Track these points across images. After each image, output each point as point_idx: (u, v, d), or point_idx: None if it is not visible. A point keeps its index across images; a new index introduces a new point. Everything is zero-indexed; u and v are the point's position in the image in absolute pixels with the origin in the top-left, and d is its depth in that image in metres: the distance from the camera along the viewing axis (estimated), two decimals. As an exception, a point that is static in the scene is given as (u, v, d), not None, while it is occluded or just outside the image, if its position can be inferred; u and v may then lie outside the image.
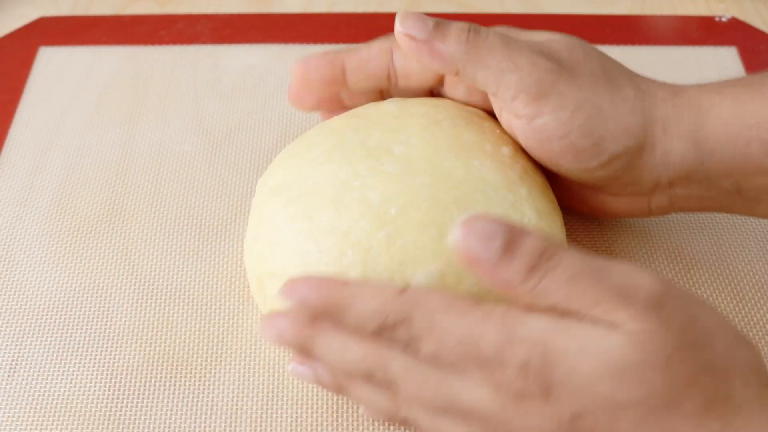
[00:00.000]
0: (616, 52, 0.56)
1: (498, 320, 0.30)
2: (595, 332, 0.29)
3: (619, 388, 0.28)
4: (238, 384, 0.40)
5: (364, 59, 0.41)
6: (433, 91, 0.43)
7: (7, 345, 0.42)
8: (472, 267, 0.30)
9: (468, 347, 0.30)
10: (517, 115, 0.38)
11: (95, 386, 0.40)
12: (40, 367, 0.41)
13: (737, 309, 0.43)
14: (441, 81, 0.42)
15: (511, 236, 0.30)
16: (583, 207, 0.44)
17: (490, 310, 0.31)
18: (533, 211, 0.38)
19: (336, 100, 0.44)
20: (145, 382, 0.40)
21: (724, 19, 0.60)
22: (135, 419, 0.39)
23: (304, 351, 0.35)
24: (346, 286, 0.34)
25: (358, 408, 0.39)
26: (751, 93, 0.37)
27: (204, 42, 0.58)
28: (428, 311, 0.31)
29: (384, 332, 0.33)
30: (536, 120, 0.37)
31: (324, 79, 0.41)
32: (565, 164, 0.38)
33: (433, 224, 0.36)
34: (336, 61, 0.41)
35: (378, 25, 0.58)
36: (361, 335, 0.33)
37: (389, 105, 0.41)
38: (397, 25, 0.38)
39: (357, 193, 0.37)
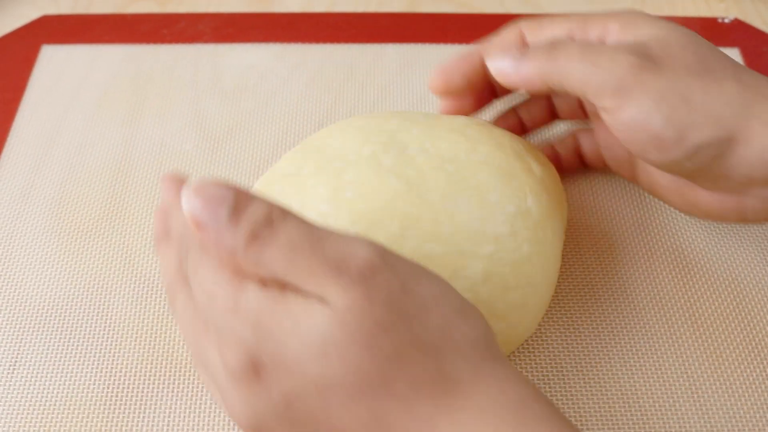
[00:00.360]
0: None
1: (235, 284, 0.29)
2: (305, 308, 0.28)
3: (324, 366, 0.28)
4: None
5: (499, 45, 0.42)
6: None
7: (7, 343, 0.42)
8: (200, 232, 0.29)
9: (207, 302, 0.30)
10: (604, 111, 0.38)
11: (95, 385, 0.40)
12: (40, 366, 0.41)
13: (738, 309, 0.43)
14: None
15: (237, 202, 0.29)
16: (679, 201, 0.43)
17: (237, 274, 0.30)
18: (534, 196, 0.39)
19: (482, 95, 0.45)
20: (145, 380, 0.40)
21: (727, 21, 0.59)
22: (135, 418, 0.39)
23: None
24: (178, 195, 0.32)
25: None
26: None
27: (206, 41, 0.58)
28: (202, 254, 0.31)
29: (182, 260, 0.33)
30: (620, 113, 0.37)
31: (468, 76, 0.43)
32: (652, 156, 0.38)
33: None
34: (473, 57, 0.42)
35: (379, 25, 0.58)
36: (181, 253, 0.33)
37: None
38: (490, 69, 0.41)
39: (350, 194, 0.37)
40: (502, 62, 0.40)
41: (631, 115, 0.37)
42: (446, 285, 0.30)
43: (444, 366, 0.28)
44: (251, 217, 0.29)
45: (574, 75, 0.38)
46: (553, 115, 0.48)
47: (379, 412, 0.28)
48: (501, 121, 0.47)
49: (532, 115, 0.47)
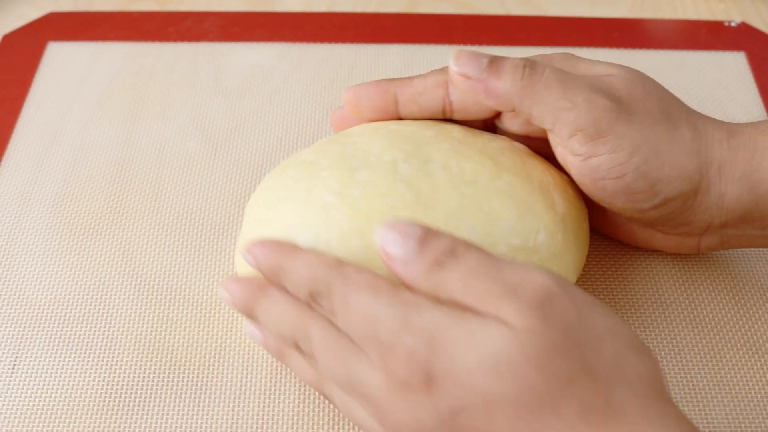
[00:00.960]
0: (623, 56, 0.57)
1: (400, 305, 0.31)
2: (481, 326, 0.29)
3: (495, 382, 0.28)
4: (238, 384, 0.40)
5: (417, 91, 0.40)
6: (488, 123, 0.42)
7: (8, 342, 0.42)
8: (388, 263, 0.32)
9: (368, 327, 0.31)
10: (573, 153, 0.37)
11: (95, 384, 0.40)
12: (40, 365, 0.41)
13: (738, 309, 0.43)
14: (498, 114, 0.41)
15: (424, 236, 0.32)
16: (630, 240, 0.44)
17: (399, 295, 0.31)
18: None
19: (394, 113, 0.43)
20: (145, 381, 0.40)
21: (733, 24, 0.59)
22: (135, 418, 0.39)
23: (251, 315, 0.37)
24: (293, 251, 0.35)
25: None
26: None
27: (211, 39, 0.58)
28: (348, 286, 0.32)
29: (312, 301, 0.34)
30: (592, 159, 0.37)
31: (376, 109, 0.41)
32: (617, 203, 0.38)
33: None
34: (389, 92, 0.40)
35: (379, 25, 0.58)
36: (297, 303, 0.35)
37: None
38: (451, 65, 0.38)
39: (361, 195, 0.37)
40: (470, 68, 0.38)
41: (602, 163, 0.37)
42: (620, 320, 0.31)
43: (613, 397, 0.28)
44: (436, 248, 0.31)
45: (547, 108, 0.37)
46: (485, 124, 0.44)
47: (542, 430, 0.28)
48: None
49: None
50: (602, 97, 0.37)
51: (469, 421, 0.29)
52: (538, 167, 0.40)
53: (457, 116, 0.41)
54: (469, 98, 0.39)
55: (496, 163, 0.38)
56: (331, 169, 0.38)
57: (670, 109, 0.38)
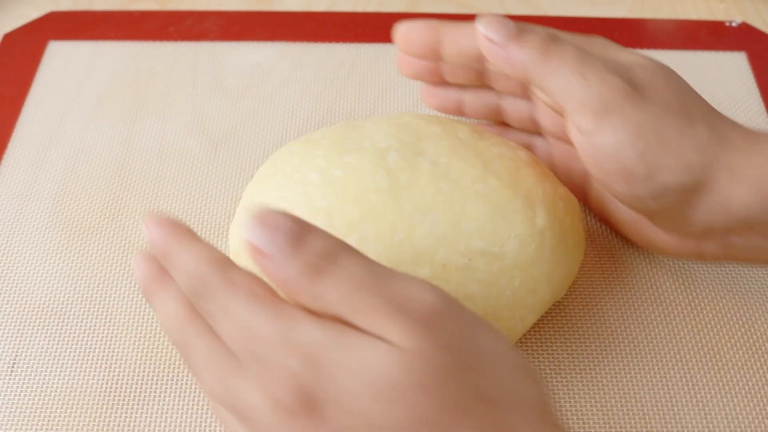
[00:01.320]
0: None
1: (282, 319, 0.28)
2: (365, 345, 0.27)
3: (382, 409, 0.26)
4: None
5: (460, 34, 0.41)
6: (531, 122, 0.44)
7: (7, 341, 0.42)
8: (257, 260, 0.29)
9: (246, 340, 0.29)
10: (578, 129, 0.37)
11: (95, 384, 0.40)
12: (40, 364, 0.41)
13: (738, 309, 0.43)
14: (525, 91, 0.42)
15: (298, 232, 0.29)
16: (636, 237, 0.43)
17: (281, 307, 0.29)
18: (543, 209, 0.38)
19: (436, 73, 0.44)
20: (145, 380, 0.40)
21: (734, 24, 0.59)
22: (134, 417, 0.39)
23: (149, 302, 0.34)
24: (184, 238, 0.32)
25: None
26: None
27: (212, 39, 0.58)
28: (230, 291, 0.30)
29: (195, 301, 0.31)
30: (594, 137, 0.36)
31: (421, 46, 0.42)
32: (617, 187, 0.38)
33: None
34: (434, 30, 0.41)
35: (379, 25, 0.58)
36: (184, 305, 0.32)
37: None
38: (479, 26, 0.38)
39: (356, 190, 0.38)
40: (495, 32, 0.38)
41: (605, 141, 0.36)
42: (508, 343, 0.29)
43: (503, 423, 0.27)
44: (313, 249, 0.29)
45: (560, 82, 0.37)
46: (495, 114, 0.46)
47: None
48: (436, 93, 0.46)
49: (475, 105, 0.45)
50: (616, 77, 0.36)
51: None
52: (530, 179, 0.39)
53: (491, 67, 0.42)
54: (492, 62, 0.39)
55: (485, 167, 0.38)
56: (326, 149, 0.39)
57: (689, 105, 0.37)
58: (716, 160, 0.36)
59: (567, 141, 0.42)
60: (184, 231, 0.32)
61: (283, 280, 0.29)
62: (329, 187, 0.37)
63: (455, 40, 0.41)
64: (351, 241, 0.36)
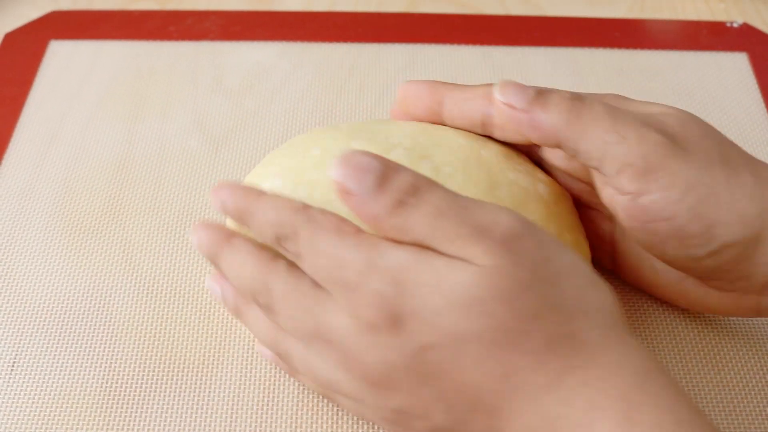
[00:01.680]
0: (624, 56, 0.57)
1: (366, 247, 0.31)
2: (448, 266, 0.29)
3: (463, 320, 0.29)
4: (238, 383, 0.40)
5: (463, 98, 0.39)
6: (530, 153, 0.41)
7: (7, 340, 0.42)
8: (345, 200, 0.31)
9: (334, 269, 0.31)
10: (621, 191, 0.35)
11: (94, 384, 0.40)
12: (40, 363, 0.41)
13: (738, 311, 0.43)
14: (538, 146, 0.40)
15: (384, 171, 0.31)
16: (682, 301, 0.41)
17: (364, 237, 0.31)
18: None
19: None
20: (145, 380, 0.40)
21: (735, 25, 0.59)
22: (134, 418, 0.39)
23: (215, 263, 0.37)
24: (259, 195, 0.34)
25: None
26: None
27: (212, 38, 0.58)
28: (315, 229, 0.32)
29: (278, 245, 0.34)
30: (642, 198, 0.34)
31: (423, 107, 0.40)
32: (670, 250, 0.35)
33: None
34: (436, 93, 0.39)
35: (379, 25, 0.59)
36: (260, 254, 0.34)
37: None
38: (496, 94, 0.36)
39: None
40: (516, 98, 0.36)
41: (653, 201, 0.34)
42: (580, 259, 0.32)
43: (575, 329, 0.29)
44: (397, 185, 0.30)
45: (595, 142, 0.34)
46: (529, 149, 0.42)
47: (510, 367, 0.29)
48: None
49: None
50: (654, 132, 0.34)
51: (437, 359, 0.30)
52: (534, 216, 0.37)
53: (496, 133, 0.39)
54: (513, 130, 0.37)
55: (489, 190, 0.37)
56: (340, 132, 0.39)
57: (729, 152, 0.35)
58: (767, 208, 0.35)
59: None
60: (256, 190, 0.35)
61: (370, 216, 0.31)
62: (325, 162, 0.37)
63: (457, 105, 0.39)
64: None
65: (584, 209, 0.41)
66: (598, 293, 0.31)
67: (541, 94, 0.36)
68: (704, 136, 0.35)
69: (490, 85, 0.38)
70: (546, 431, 0.29)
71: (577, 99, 0.35)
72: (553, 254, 0.30)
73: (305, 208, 0.33)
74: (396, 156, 0.37)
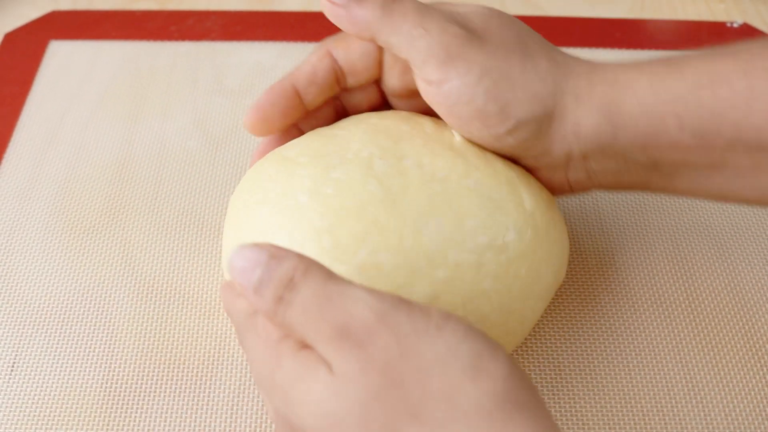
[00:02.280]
0: (624, 56, 0.57)
1: (274, 357, 0.30)
2: (313, 379, 0.28)
3: None
4: (237, 383, 0.40)
5: (310, 72, 0.41)
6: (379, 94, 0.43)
7: (7, 341, 0.42)
8: (243, 295, 0.31)
9: (259, 373, 0.31)
10: (427, 81, 0.38)
11: (94, 384, 0.40)
12: (40, 364, 0.41)
13: (737, 310, 0.43)
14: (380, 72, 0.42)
15: (268, 264, 0.30)
16: None
17: (276, 347, 0.31)
18: (528, 193, 0.38)
19: (293, 129, 0.43)
20: (145, 381, 0.40)
21: (735, 25, 0.59)
22: (134, 418, 0.39)
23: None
24: (234, 294, 0.34)
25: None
26: (669, 70, 0.37)
27: (213, 38, 0.58)
28: (252, 338, 0.32)
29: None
30: (444, 85, 0.37)
31: (283, 110, 0.41)
32: (475, 131, 0.38)
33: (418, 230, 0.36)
34: (287, 88, 0.41)
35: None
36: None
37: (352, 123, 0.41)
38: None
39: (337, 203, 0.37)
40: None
41: (454, 87, 0.37)
42: (459, 339, 0.28)
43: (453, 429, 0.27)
44: (278, 280, 0.30)
45: (403, 36, 0.37)
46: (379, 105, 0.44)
47: None
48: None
49: (356, 103, 0.44)
50: (455, 26, 0.37)
51: None
52: (499, 162, 0.40)
53: (350, 81, 0.41)
54: (338, 25, 0.39)
55: (465, 162, 0.39)
56: (308, 167, 0.38)
57: (527, 41, 0.38)
58: (561, 88, 0.37)
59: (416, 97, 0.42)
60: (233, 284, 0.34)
61: (263, 312, 0.30)
62: (324, 206, 0.37)
63: (311, 81, 0.41)
64: (362, 255, 0.36)
65: None
66: (479, 380, 0.27)
67: None
68: (504, 27, 0.38)
69: (317, 47, 0.41)
70: None
71: None
72: (416, 347, 0.28)
73: (254, 315, 0.32)
74: (380, 169, 0.38)
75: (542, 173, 0.40)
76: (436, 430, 0.27)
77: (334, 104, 0.43)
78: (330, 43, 0.41)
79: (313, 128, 0.42)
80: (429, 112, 0.41)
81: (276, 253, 0.30)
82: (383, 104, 0.43)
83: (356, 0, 0.38)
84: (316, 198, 0.37)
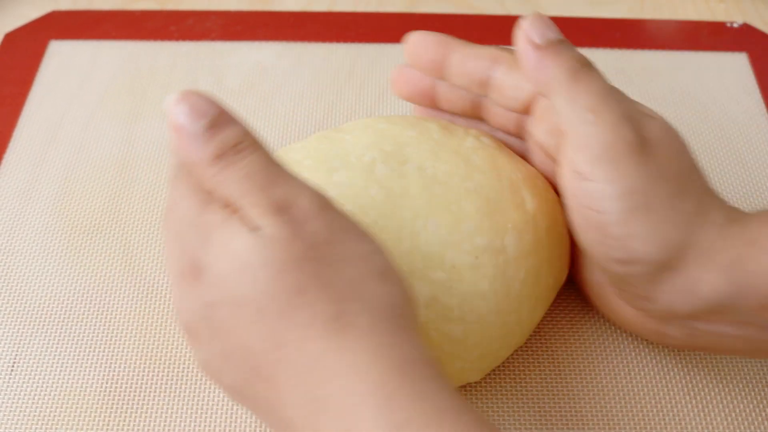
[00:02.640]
0: (624, 56, 0.57)
1: (199, 199, 0.32)
2: (239, 230, 0.30)
3: (240, 284, 0.30)
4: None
5: (468, 54, 0.40)
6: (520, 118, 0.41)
7: (7, 341, 0.42)
8: (174, 136, 0.32)
9: (179, 213, 0.32)
10: (572, 167, 0.35)
11: (95, 384, 0.40)
12: (40, 364, 0.41)
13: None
14: (527, 110, 0.40)
15: (217, 120, 0.31)
16: (597, 301, 0.41)
17: (202, 190, 0.32)
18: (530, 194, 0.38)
19: (431, 96, 0.42)
20: (145, 380, 0.40)
21: (735, 25, 0.59)
22: (134, 418, 0.39)
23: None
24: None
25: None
26: None
27: (213, 38, 0.58)
28: (178, 165, 0.33)
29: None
30: (585, 182, 0.35)
31: (427, 59, 0.41)
32: (588, 241, 0.36)
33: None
34: (443, 46, 0.40)
35: (379, 25, 0.59)
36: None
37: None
38: (525, 21, 0.37)
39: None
40: (540, 32, 0.37)
41: (593, 189, 0.35)
42: (375, 249, 0.32)
43: (344, 310, 0.30)
44: (224, 138, 0.31)
45: (574, 111, 0.35)
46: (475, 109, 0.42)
47: (280, 339, 0.30)
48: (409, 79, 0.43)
49: (451, 98, 0.42)
50: (630, 130, 0.35)
51: (221, 316, 0.31)
52: (507, 165, 0.40)
53: (493, 95, 0.40)
54: (523, 66, 0.38)
55: (467, 164, 0.39)
56: (312, 170, 0.39)
57: (686, 174, 0.35)
58: (692, 240, 0.34)
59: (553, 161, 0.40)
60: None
61: (192, 160, 0.31)
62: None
63: (463, 59, 0.40)
64: None
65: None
66: (384, 286, 0.31)
67: (561, 42, 0.37)
68: (674, 151, 0.36)
69: (497, 47, 0.40)
70: (310, 411, 0.29)
71: (586, 65, 0.36)
72: (341, 239, 0.31)
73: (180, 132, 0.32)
74: (382, 173, 0.38)
75: (639, 316, 0.38)
76: (336, 303, 0.30)
77: (470, 100, 0.42)
78: (497, 54, 0.40)
79: (449, 108, 0.42)
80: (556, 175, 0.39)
81: (227, 115, 0.32)
82: (513, 132, 0.42)
83: (553, 50, 0.36)
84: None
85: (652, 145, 0.35)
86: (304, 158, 0.39)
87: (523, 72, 0.38)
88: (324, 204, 0.31)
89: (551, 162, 0.40)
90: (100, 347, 0.41)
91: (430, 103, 0.43)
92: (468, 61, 0.40)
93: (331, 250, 0.30)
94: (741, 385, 0.40)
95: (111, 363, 0.41)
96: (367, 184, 0.38)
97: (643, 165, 0.34)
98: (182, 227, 0.32)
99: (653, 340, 0.40)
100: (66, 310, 0.43)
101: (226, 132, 0.31)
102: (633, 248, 0.34)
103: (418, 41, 0.41)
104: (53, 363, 0.41)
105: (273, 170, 0.31)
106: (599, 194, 0.34)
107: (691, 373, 0.41)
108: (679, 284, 0.35)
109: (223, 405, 0.39)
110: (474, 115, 0.42)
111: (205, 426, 0.39)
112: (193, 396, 0.40)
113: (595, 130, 0.35)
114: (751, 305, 0.34)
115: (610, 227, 0.35)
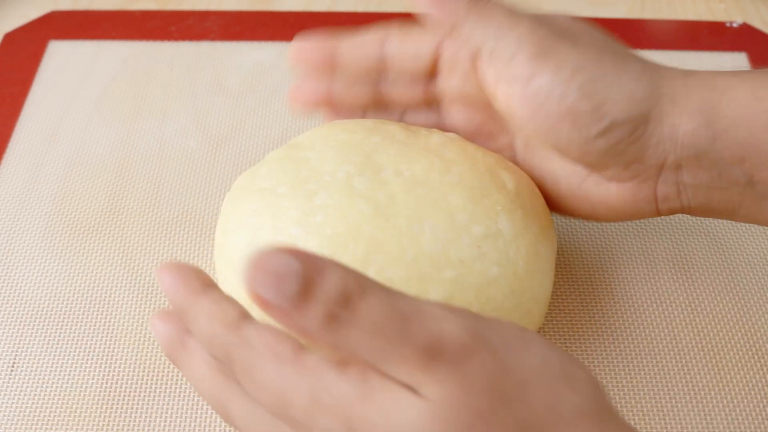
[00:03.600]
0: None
1: (309, 379, 0.27)
2: (397, 399, 0.25)
3: None
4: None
5: (356, 41, 0.40)
6: (426, 86, 0.42)
7: (7, 341, 0.42)
8: (267, 313, 0.26)
9: (278, 404, 0.27)
10: (513, 77, 0.36)
11: (94, 384, 0.40)
12: (40, 364, 0.41)
13: (737, 310, 0.43)
14: (433, 71, 0.40)
15: (308, 277, 0.25)
16: (587, 206, 0.40)
17: (304, 363, 0.27)
18: (507, 219, 0.38)
19: (330, 99, 0.42)
20: (145, 380, 0.40)
21: (735, 25, 0.59)
22: (134, 417, 0.39)
23: (175, 365, 0.32)
24: (197, 293, 0.30)
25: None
26: None
27: (213, 38, 0.58)
28: (249, 356, 0.28)
29: (220, 364, 0.30)
30: (533, 81, 0.36)
31: (318, 57, 0.41)
32: (563, 134, 0.36)
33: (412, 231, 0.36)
34: (329, 42, 0.41)
35: (381, 25, 0.58)
36: (213, 367, 0.31)
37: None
38: None
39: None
40: None
41: (545, 82, 0.35)
42: (546, 348, 0.28)
43: None
44: (326, 295, 0.25)
45: (490, 28, 0.37)
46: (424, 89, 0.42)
47: None
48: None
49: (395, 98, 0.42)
50: (545, 26, 0.36)
51: None
52: (476, 151, 0.40)
53: (392, 71, 0.41)
54: (423, 5, 0.39)
55: (442, 159, 0.39)
56: (290, 197, 0.38)
57: (617, 46, 0.37)
58: (658, 90, 0.36)
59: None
60: (199, 282, 0.30)
61: (300, 330, 0.26)
62: (318, 237, 0.36)
63: (353, 47, 0.40)
64: (371, 273, 0.35)
65: (485, 143, 0.42)
66: (575, 388, 0.27)
67: None
68: (591, 31, 0.37)
69: (380, 29, 0.41)
70: None
71: None
72: (512, 360, 0.26)
73: (238, 324, 0.28)
74: (362, 186, 0.37)
75: (628, 188, 0.38)
76: None
77: (371, 91, 0.42)
78: (384, 31, 0.41)
79: (349, 102, 0.42)
80: (480, 124, 0.41)
81: (314, 261, 0.26)
82: (423, 105, 0.42)
83: None
84: (308, 228, 0.36)
85: (572, 32, 0.37)
86: (276, 186, 0.38)
87: (424, 19, 0.39)
88: (473, 324, 0.27)
89: (468, 117, 0.41)
90: (99, 347, 0.41)
91: (330, 108, 0.42)
92: (358, 47, 0.40)
93: (509, 380, 0.26)
94: (741, 385, 0.40)
95: (110, 363, 0.41)
96: (351, 201, 0.37)
97: (576, 47, 0.36)
98: (304, 419, 0.27)
99: (647, 214, 0.39)
100: (66, 310, 0.43)
101: (325, 285, 0.25)
102: (607, 114, 0.35)
103: (302, 45, 0.41)
104: (53, 363, 0.41)
105: (398, 308, 0.26)
106: (552, 83, 0.35)
107: (691, 373, 0.41)
108: (661, 134, 0.36)
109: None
110: (377, 105, 0.42)
111: (204, 426, 0.39)
112: (194, 396, 0.40)
113: (520, 33, 0.36)
114: (728, 154, 0.35)
115: (577, 106, 0.35)
